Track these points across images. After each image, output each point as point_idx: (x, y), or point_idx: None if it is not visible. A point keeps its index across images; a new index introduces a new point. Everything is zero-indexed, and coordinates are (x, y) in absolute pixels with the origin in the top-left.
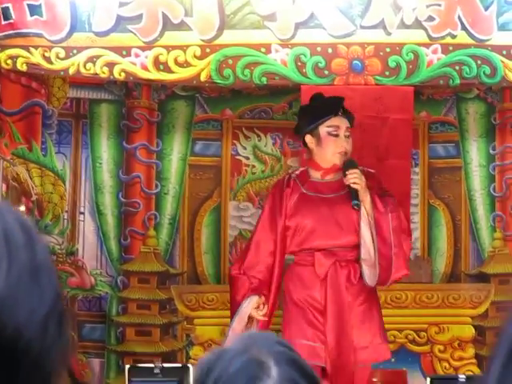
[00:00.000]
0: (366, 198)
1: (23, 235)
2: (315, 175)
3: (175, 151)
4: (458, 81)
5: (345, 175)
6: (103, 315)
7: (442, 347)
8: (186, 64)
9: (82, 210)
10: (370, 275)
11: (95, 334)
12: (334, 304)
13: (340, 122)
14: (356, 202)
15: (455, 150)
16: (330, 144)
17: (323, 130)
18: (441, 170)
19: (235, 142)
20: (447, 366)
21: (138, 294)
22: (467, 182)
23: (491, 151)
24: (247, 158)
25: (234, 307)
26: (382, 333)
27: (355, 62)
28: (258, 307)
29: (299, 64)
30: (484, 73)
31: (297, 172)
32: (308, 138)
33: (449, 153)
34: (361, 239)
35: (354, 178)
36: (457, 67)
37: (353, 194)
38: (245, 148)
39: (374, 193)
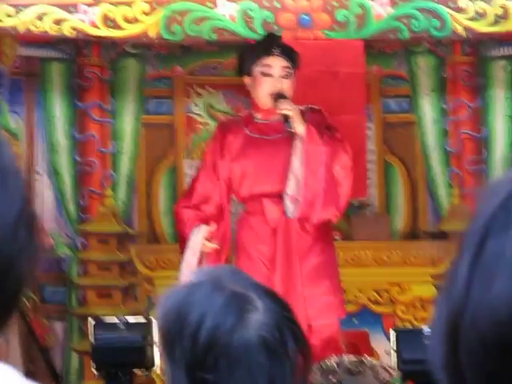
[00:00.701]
0: (299, 129)
1: None
2: (258, 116)
3: (128, 110)
4: (407, 34)
5: (276, 106)
6: (64, 277)
7: (403, 307)
8: (134, 20)
9: (38, 170)
10: (291, 209)
11: (56, 297)
12: (284, 256)
13: (274, 61)
14: (287, 124)
15: (408, 105)
16: (263, 84)
17: (256, 70)
18: (395, 125)
19: (187, 99)
20: (410, 326)
21: (97, 255)
22: (422, 137)
23: (443, 105)
24: (200, 116)
25: (182, 242)
26: (338, 289)
27: (303, 16)
28: (208, 238)
29: (247, 19)
30: (433, 26)
31: (241, 114)
32: (246, 80)
33: (402, 108)
34: (289, 172)
35: (285, 105)
36: (405, 20)
37: (287, 121)
38: (197, 105)
39: (313, 126)
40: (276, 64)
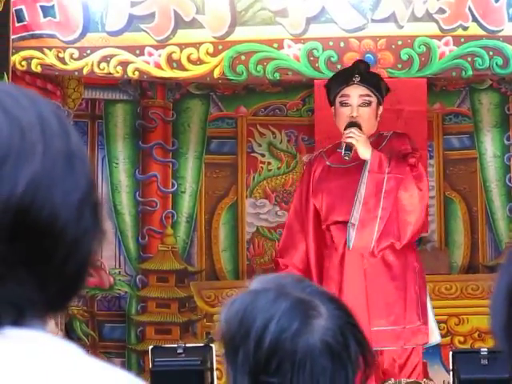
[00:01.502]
0: (364, 155)
1: (57, 123)
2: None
3: (191, 150)
4: (470, 72)
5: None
6: (123, 314)
7: (462, 338)
8: (198, 61)
9: None
10: (352, 239)
11: (115, 334)
12: (350, 282)
13: (352, 90)
14: (346, 152)
15: (470, 141)
16: (340, 114)
17: (337, 101)
18: (456, 162)
19: (250, 139)
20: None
21: (156, 292)
22: (482, 172)
23: (505, 141)
24: (263, 155)
25: None
26: (418, 315)
27: (368, 55)
28: None
29: (312, 59)
30: (496, 64)
31: (329, 145)
32: (332, 111)
33: (463, 144)
34: (355, 200)
35: (349, 133)
36: (469, 58)
37: (345, 147)
38: (260, 145)
39: (388, 152)
40: (354, 93)
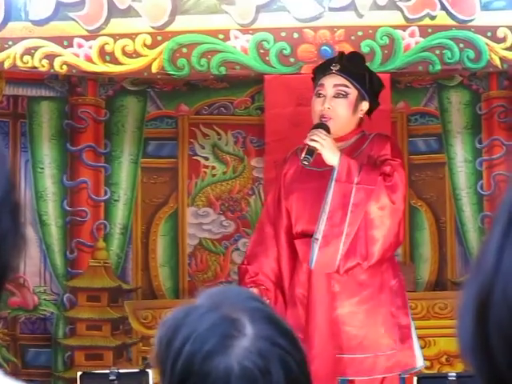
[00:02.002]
0: (330, 160)
1: None
2: None
3: (126, 153)
4: (438, 67)
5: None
6: (49, 338)
7: (428, 363)
8: (135, 54)
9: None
10: (314, 256)
11: (40, 360)
12: (318, 302)
13: (328, 80)
14: (306, 156)
15: (437, 145)
16: (313, 107)
17: (314, 92)
18: (422, 167)
19: (192, 140)
20: None
21: (87, 313)
22: (452, 179)
23: (477, 145)
24: (206, 159)
25: None
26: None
27: (324, 47)
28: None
29: (262, 51)
30: (467, 57)
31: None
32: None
33: (430, 147)
34: (321, 211)
35: (313, 135)
36: (437, 51)
37: (306, 151)
38: (203, 147)
39: (358, 159)
40: (329, 83)
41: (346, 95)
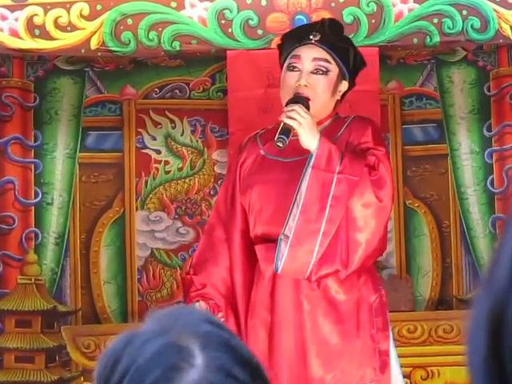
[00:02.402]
0: (308, 143)
1: None
2: None
3: (60, 146)
4: (437, 38)
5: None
6: None
7: None
8: (70, 27)
9: None
10: (282, 259)
11: None
12: (284, 322)
13: (305, 51)
14: (280, 137)
15: (437, 133)
16: (285, 82)
17: (285, 64)
18: (419, 160)
19: (141, 130)
20: None
21: (16, 341)
22: (455, 174)
23: (486, 132)
24: (158, 152)
25: None
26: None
27: (298, 16)
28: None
29: (223, 22)
30: (472, 26)
31: (269, 127)
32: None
33: (429, 136)
34: (293, 205)
35: (291, 111)
36: (435, 20)
37: (281, 129)
38: (154, 138)
39: (338, 145)
40: (306, 55)
41: (326, 72)
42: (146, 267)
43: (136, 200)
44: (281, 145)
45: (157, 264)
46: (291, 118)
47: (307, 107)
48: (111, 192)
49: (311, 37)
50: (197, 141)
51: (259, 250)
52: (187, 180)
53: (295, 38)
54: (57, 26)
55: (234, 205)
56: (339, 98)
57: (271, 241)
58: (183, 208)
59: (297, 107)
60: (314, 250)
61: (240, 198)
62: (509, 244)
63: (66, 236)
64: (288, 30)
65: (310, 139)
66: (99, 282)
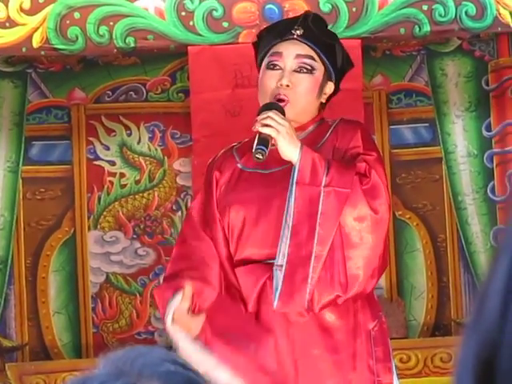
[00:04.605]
0: (288, 154)
1: None
2: None
3: (0, 159)
4: (427, 28)
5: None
6: None
7: None
8: (8, 23)
9: None
10: (278, 290)
11: None
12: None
13: (287, 47)
14: (259, 148)
15: (430, 134)
16: (264, 82)
17: (264, 63)
18: (410, 165)
19: (92, 139)
20: None
21: None
22: (451, 181)
23: (485, 132)
24: (112, 164)
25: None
26: None
27: (269, 6)
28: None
29: (183, 14)
30: (466, 13)
31: (247, 139)
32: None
33: (420, 138)
34: (283, 225)
35: (266, 118)
36: (425, 7)
37: (258, 140)
38: (107, 148)
39: (322, 153)
40: (289, 51)
41: (311, 70)
42: (101, 294)
43: (88, 218)
44: (260, 157)
45: (113, 290)
46: (267, 125)
47: (283, 113)
48: (59, 210)
49: (293, 31)
50: (156, 149)
51: (239, 273)
52: (146, 194)
53: (275, 33)
54: None
55: (213, 225)
56: (324, 100)
57: (254, 263)
58: (142, 226)
59: (271, 113)
60: (308, 277)
61: (219, 217)
62: (501, 273)
63: (9, 261)
64: (257, 21)
65: (290, 149)
66: (48, 312)
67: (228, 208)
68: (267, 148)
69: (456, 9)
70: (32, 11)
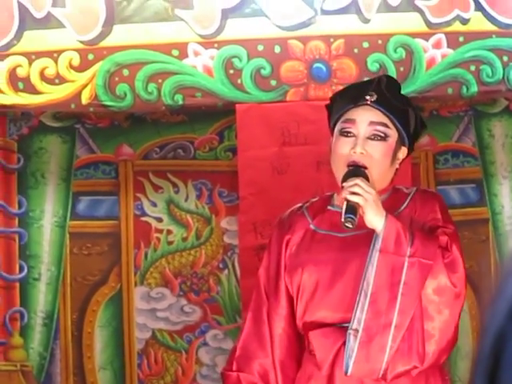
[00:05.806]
0: (374, 222)
1: None
2: (335, 201)
3: (48, 214)
4: (475, 88)
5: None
6: None
7: None
8: (58, 79)
9: None
10: (352, 357)
11: None
12: None
13: (361, 113)
14: (348, 216)
15: (477, 194)
16: (337, 149)
17: (337, 129)
18: (457, 226)
19: (139, 195)
20: None
21: None
22: (498, 242)
23: None
24: (159, 220)
25: None
26: None
27: (317, 65)
28: None
29: (231, 72)
30: None
31: (315, 198)
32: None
33: (467, 198)
34: (360, 292)
35: (353, 186)
36: (472, 67)
37: (347, 208)
38: (155, 204)
39: (402, 222)
40: (362, 118)
41: (384, 137)
42: (147, 351)
43: (135, 274)
44: (350, 226)
45: (159, 347)
46: (355, 193)
47: (367, 179)
48: (106, 265)
49: (367, 97)
50: (203, 207)
51: (314, 336)
52: (192, 251)
53: (348, 98)
54: (43, 78)
55: (277, 289)
56: (398, 166)
57: (327, 326)
58: (188, 283)
59: (359, 181)
60: (387, 345)
61: (286, 279)
62: (499, 315)
63: (55, 316)
64: (305, 79)
65: (376, 217)
66: (93, 367)
67: (301, 269)
68: (356, 216)
69: (503, 70)
70: (81, 68)
